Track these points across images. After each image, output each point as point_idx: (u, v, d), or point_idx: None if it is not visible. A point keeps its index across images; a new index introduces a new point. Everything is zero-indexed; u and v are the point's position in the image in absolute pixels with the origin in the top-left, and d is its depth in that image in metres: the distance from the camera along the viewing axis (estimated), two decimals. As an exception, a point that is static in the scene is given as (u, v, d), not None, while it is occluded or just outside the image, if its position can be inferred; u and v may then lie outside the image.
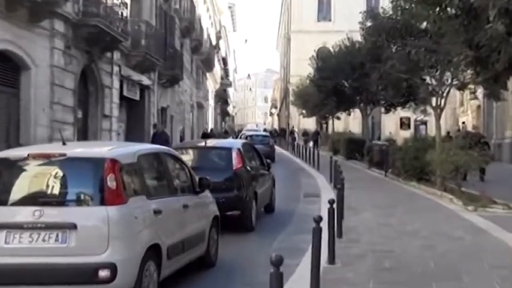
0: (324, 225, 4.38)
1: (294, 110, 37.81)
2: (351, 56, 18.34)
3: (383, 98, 17.68)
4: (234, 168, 7.42)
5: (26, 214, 3.85)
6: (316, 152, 18.23)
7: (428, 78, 11.12)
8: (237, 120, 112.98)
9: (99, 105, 11.81)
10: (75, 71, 10.54)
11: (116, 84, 12.74)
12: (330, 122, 31.97)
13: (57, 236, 3.81)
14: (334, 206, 5.25)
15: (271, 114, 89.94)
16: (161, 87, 17.76)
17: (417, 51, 9.89)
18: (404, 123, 33.21)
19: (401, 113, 22.65)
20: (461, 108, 26.90)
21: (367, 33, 13.22)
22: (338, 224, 6.05)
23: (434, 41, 9.73)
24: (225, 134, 26.92)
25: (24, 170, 4.08)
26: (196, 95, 28.57)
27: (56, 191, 4.01)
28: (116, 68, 12.58)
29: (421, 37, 10.58)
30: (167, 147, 5.47)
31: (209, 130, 26.46)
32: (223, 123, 57.53)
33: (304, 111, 32.97)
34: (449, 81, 10.65)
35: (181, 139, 21.50)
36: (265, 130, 45.59)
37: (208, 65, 32.33)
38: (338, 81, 19.42)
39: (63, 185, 4.04)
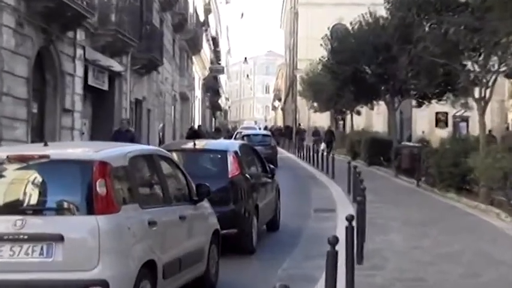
0: (341, 248, 4.38)
1: (302, 103, 37.84)
2: (373, 36, 18.36)
3: (414, 88, 17.61)
4: (230, 175, 7.48)
5: (5, 224, 3.94)
6: (330, 155, 18.46)
7: (469, 64, 10.93)
8: (230, 116, 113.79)
9: (59, 97, 11.62)
10: (28, 55, 10.25)
11: (80, 70, 12.58)
12: (348, 118, 31.77)
13: (41, 249, 3.91)
14: (354, 223, 5.23)
15: (274, 108, 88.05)
16: (136, 75, 17.81)
17: (456, 30, 9.65)
18: (440, 120, 33.01)
19: (436, 107, 22.24)
20: (511, 101, 27.55)
21: (394, 7, 13.14)
22: (358, 247, 6.03)
23: (478, 17, 9.53)
24: (216, 133, 27.12)
25: (2, 175, 4.19)
26: (179, 83, 28.58)
27: (39, 197, 4.14)
28: (79, 51, 12.41)
29: (460, 12, 10.26)
30: (160, 148, 5.68)
31: (196, 128, 26.64)
32: (214, 119, 57.88)
33: (315, 105, 32.96)
34: (496, 67, 10.45)
35: (161, 140, 21.64)
36: (266, 128, 45.79)
37: (194, 47, 32.25)
38: (358, 67, 19.40)
39: (47, 191, 4.17)
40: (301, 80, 34.57)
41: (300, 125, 35.32)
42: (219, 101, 60.91)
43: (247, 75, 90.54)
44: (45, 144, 4.63)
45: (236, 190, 7.47)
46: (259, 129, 54.10)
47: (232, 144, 8.41)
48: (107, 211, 4.09)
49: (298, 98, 38.02)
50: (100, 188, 4.10)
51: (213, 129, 34.85)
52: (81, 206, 4.11)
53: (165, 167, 5.24)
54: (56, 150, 4.53)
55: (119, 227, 4.14)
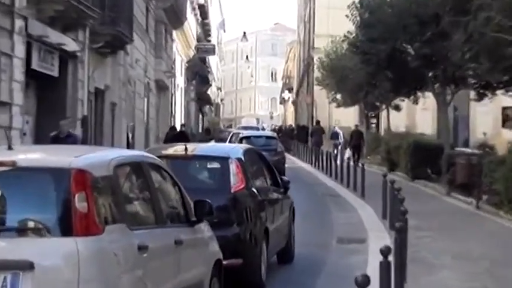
0: (374, 291, 4.62)
1: (321, 95, 37.89)
2: (417, 4, 18.19)
3: (472, 75, 17.16)
4: (232, 189, 7.72)
5: None
6: (358, 166, 18.51)
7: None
8: (224, 112, 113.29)
9: (-10, 85, 12.35)
10: None
11: (20, 50, 12.46)
12: (383, 114, 32.21)
13: (4, 280, 4.00)
14: (390, 258, 5.24)
15: (283, 101, 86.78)
16: (96, 56, 17.83)
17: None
18: (509, 118, 32.82)
19: (503, 100, 22.00)
20: None
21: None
22: (397, 290, 6.55)
23: None
24: (206, 135, 27.44)
25: None
26: (155, 68, 28.58)
27: (2, 215, 4.25)
28: (19, 23, 12.32)
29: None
30: (148, 154, 5.87)
31: (178, 128, 26.94)
32: (201, 116, 58.28)
33: (338, 97, 33.18)
34: None
35: (130, 144, 21.91)
36: (274, 130, 45.55)
37: (175, 18, 32.13)
38: (397, 46, 19.37)
39: (12, 207, 4.27)
40: (320, 63, 34.52)
41: (318, 123, 35.53)
42: (209, 92, 60.84)
43: (247, 57, 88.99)
44: (10, 148, 4.76)
45: (240, 209, 7.65)
46: (262, 129, 54.54)
47: (235, 149, 8.58)
48: (88, 232, 4.18)
49: (316, 87, 37.99)
50: (80, 204, 4.20)
51: (204, 130, 34.69)
52: (55, 226, 4.18)
53: (157, 179, 5.43)
54: (23, 156, 4.64)
55: (103, 253, 4.23)
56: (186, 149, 8.19)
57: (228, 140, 27.00)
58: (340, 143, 31.46)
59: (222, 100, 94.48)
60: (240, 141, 21.71)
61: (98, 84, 18.32)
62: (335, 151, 29.49)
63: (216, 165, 8.05)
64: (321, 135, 32.90)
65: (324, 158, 25.46)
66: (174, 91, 36.05)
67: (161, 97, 31.61)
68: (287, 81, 77.84)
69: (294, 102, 67.38)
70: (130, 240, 4.53)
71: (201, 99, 53.93)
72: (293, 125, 52.36)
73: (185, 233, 5.46)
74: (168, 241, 5.12)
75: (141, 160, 5.30)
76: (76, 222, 4.17)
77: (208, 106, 65.65)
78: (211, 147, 9.56)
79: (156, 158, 5.77)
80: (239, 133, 26.51)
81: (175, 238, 5.20)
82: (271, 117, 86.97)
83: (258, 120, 78.46)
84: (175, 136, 22.60)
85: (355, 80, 26.51)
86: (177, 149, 8.68)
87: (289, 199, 9.71)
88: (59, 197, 4.26)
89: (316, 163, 27.51)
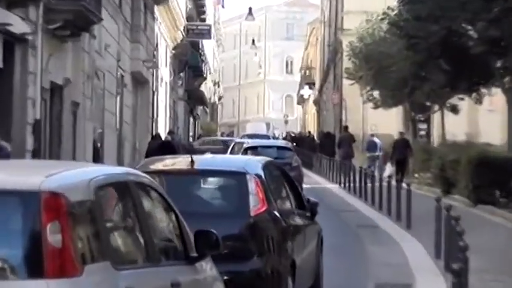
0: None
1: (352, 92, 38.29)
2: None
3: None
4: (252, 213, 8.14)
5: None
6: (402, 186, 18.65)
7: None
8: (223, 114, 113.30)
9: None
10: None
11: None
12: (435, 118, 32.50)
13: None
14: (447, 311, 5.74)
15: (302, 100, 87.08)
16: (52, 40, 17.99)
17: None
18: None
19: None
20: None
21: None
22: None
23: None
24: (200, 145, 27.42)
25: None
26: (131, 56, 28.86)
27: None
28: None
29: None
30: (136, 171, 6.14)
31: (165, 136, 26.99)
32: (193, 120, 58.31)
33: (375, 94, 33.67)
34: None
35: (97, 156, 22.11)
36: (285, 138, 44.78)
37: (157, -10, 35.41)
38: (453, 27, 19.56)
39: None
40: (351, 50, 34.49)
41: (346, 129, 35.42)
42: (202, 88, 60.80)
43: (253, 41, 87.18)
44: None
45: (261, 237, 8.06)
46: (275, 138, 54.29)
47: (252, 163, 9.07)
48: (63, 273, 4.26)
49: (346, 82, 38.06)
50: (52, 236, 4.27)
51: (194, 139, 34.30)
52: (21, 266, 4.27)
53: (149, 203, 5.60)
54: None
55: None
56: (192, 162, 8.52)
57: (229, 151, 27.09)
58: (378, 156, 31.59)
59: (220, 99, 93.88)
60: (245, 153, 22.17)
61: (55, 77, 18.32)
62: (371, 167, 29.58)
63: (230, 182, 8.50)
64: (351, 146, 32.91)
65: (357, 176, 25.34)
66: (157, 87, 35.89)
67: (139, 95, 31.62)
68: (307, 73, 75.96)
69: (317, 102, 66.02)
70: (115, 283, 4.61)
71: (193, 98, 53.68)
72: (310, 132, 52.30)
73: (183, 273, 5.57)
74: (163, 283, 5.23)
75: (128, 179, 5.41)
76: (48, 261, 4.24)
77: (201, 107, 65.42)
78: (223, 161, 10.02)
79: (146, 176, 5.92)
80: (243, 142, 26.54)
81: (171, 280, 5.31)
82: (286, 122, 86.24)
83: (268, 125, 77.96)
84: (158, 147, 22.81)
85: (398, 72, 26.55)
86: (179, 162, 9.16)
87: (316, 225, 10.19)
88: (25, 228, 4.32)
89: (346, 183, 27.45)
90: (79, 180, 4.79)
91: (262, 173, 8.51)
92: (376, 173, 26.12)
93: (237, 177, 8.35)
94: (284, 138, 53.50)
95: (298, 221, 9.24)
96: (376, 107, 33.99)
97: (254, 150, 22.88)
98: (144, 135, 31.99)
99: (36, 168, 5.31)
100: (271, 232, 8.13)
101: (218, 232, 6.45)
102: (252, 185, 8.17)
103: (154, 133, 31.21)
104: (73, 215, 4.47)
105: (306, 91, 75.28)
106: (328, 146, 37.98)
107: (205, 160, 9.33)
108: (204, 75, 59.55)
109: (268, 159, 10.33)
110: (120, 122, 27.32)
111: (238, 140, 37.58)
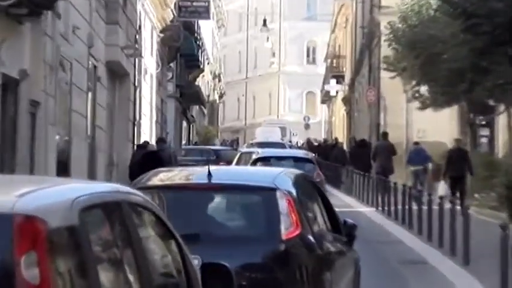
0: None
1: (394, 88, 38.65)
2: None
3: None
4: (283, 237, 8.63)
5: None
6: (457, 209, 18.66)
7: None
8: (224, 117, 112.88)
9: None
10: None
11: None
12: (501, 121, 32.65)
13: None
14: None
15: (328, 98, 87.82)
16: (5, 21, 17.96)
17: None
18: None
19: None
20: None
21: None
22: None
23: None
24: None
25: None
26: (106, 42, 29.24)
27: None
28: None
29: None
30: (128, 188, 6.32)
31: (156, 144, 27.52)
32: (186, 123, 58.28)
33: (424, 90, 33.90)
34: None
35: (62, 169, 22.34)
36: (301, 147, 44.27)
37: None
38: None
39: None
40: (392, 33, 34.75)
41: (384, 137, 35.86)
42: (199, 82, 61.35)
43: (264, 22, 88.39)
44: None
45: (294, 267, 8.50)
46: (291, 146, 54.00)
47: (282, 177, 9.56)
48: None
49: (385, 75, 38.59)
50: (27, 270, 4.34)
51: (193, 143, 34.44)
52: None
53: (144, 229, 5.82)
54: None
55: None
56: (209, 174, 9.00)
57: (236, 161, 26.92)
58: (425, 171, 31.79)
59: (221, 96, 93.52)
60: (254, 165, 22.64)
61: (8, 69, 18.32)
62: (417, 184, 30.20)
63: (256, 200, 9.00)
64: (390, 158, 33.41)
65: (398, 196, 25.54)
66: (140, 81, 36.00)
67: (117, 92, 32.01)
68: (334, 64, 76.45)
69: (347, 101, 66.77)
70: None
71: (186, 96, 54.10)
72: (336, 140, 52.12)
73: None
74: None
75: (119, 199, 5.54)
76: None
77: (197, 107, 65.32)
78: (246, 173, 10.45)
79: (141, 194, 6.09)
80: (252, 152, 27.64)
81: None
82: (307, 127, 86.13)
83: (283, 131, 77.84)
84: (144, 158, 23.61)
85: (452, 61, 26.64)
86: (192, 175, 9.71)
87: (354, 253, 10.80)
88: None
89: (385, 206, 27.66)
90: (60, 201, 4.86)
91: (294, 189, 8.94)
92: (424, 192, 25.81)
93: (265, 193, 8.83)
94: (303, 147, 53.26)
95: (334, 247, 9.64)
96: (423, 107, 33.97)
97: (265, 162, 23.38)
98: (123, 144, 32.41)
99: (3, 186, 5.33)
100: (305, 261, 8.48)
101: (241, 260, 7.19)
102: (283, 204, 8.58)
103: (140, 142, 31.52)
104: (53, 243, 4.52)
105: (333, 86, 75.05)
106: (361, 158, 37.69)
107: (225, 172, 9.75)
108: (201, 66, 60.08)
109: (299, 171, 10.87)
110: (92, 127, 27.37)
111: (245, 149, 37.38)
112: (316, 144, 58.42)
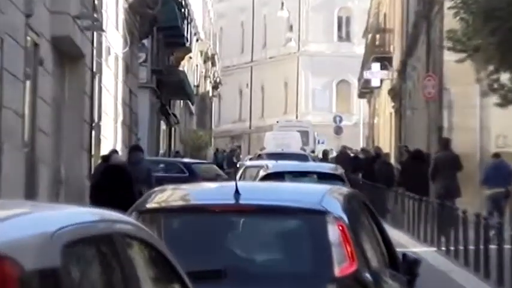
0: None
1: (462, 74, 40.20)
2: None
3: None
4: (336, 273, 9.34)
5: None
6: None
7: None
8: (221, 116, 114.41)
9: None
10: None
11: None
12: None
13: None
14: None
15: (369, 91, 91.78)
16: None
17: None
18: None
19: None
20: None
21: None
22: None
23: None
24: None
25: None
26: (51, 8, 29.65)
27: None
28: None
29: None
30: (121, 216, 6.70)
31: (128, 154, 26.80)
32: (166, 125, 58.31)
33: (504, 79, 34.59)
34: None
35: None
36: (323, 155, 44.85)
37: None
38: None
39: None
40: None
41: (445, 145, 36.44)
42: (184, 67, 61.01)
43: None
44: None
45: None
46: (312, 158, 54.80)
47: (330, 197, 10.24)
48: None
49: (450, 57, 39.27)
50: None
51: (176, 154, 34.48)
52: None
53: (143, 268, 6.30)
54: None
55: None
56: (236, 192, 9.55)
57: (240, 175, 26.61)
58: (509, 194, 32.22)
59: (216, 86, 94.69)
60: (263, 180, 24.22)
61: None
62: (494, 213, 30.55)
63: (299, 226, 9.76)
64: (455, 174, 34.11)
65: (469, 231, 26.28)
66: (100, 66, 36.53)
67: (67, 80, 32.12)
68: (377, 41, 78.38)
69: (395, 93, 68.51)
70: None
71: (166, 85, 54.15)
72: (384, 150, 52.02)
73: None
74: None
75: (111, 230, 6.01)
76: None
77: (182, 102, 65.69)
78: (282, 191, 11.18)
79: (138, 224, 6.64)
80: (259, 167, 26.26)
81: None
82: (338, 130, 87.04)
83: (305, 136, 78.18)
84: (102, 176, 22.34)
85: None
86: (213, 194, 10.51)
87: None
88: None
89: (450, 244, 28.39)
90: (37, 234, 5.26)
91: (346, 212, 9.59)
92: (506, 226, 26.07)
93: (311, 218, 9.52)
94: (320, 159, 53.19)
95: (394, 286, 10.18)
96: (505, 103, 33.81)
97: (279, 178, 24.65)
98: (75, 155, 32.68)
99: None
100: None
101: None
102: (334, 231, 9.27)
103: (102, 151, 31.05)
104: None
105: (376, 73, 74.50)
106: (415, 176, 37.78)
107: (256, 189, 10.61)
108: (188, 45, 60.11)
109: (350, 190, 11.84)
110: (31, 130, 27.63)
111: (250, 162, 37.40)
112: (352, 155, 58.55)
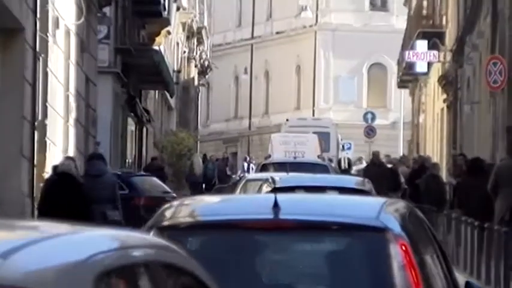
0: None
1: None
2: None
3: None
4: None
5: None
6: None
7: None
8: (211, 112, 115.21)
9: None
10: None
11: None
12: None
13: None
14: None
15: (413, 79, 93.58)
16: None
17: None
18: None
19: None
20: None
21: None
22: None
23: None
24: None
25: None
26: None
27: None
28: None
29: None
30: (159, 240, 7.16)
31: (87, 164, 27.09)
32: (136, 124, 59.14)
33: None
34: None
35: None
36: (346, 166, 46.10)
37: None
38: None
39: None
40: None
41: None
42: (160, 46, 61.80)
43: None
44: None
45: None
46: (334, 170, 55.68)
47: (389, 210, 11.08)
48: None
49: None
50: None
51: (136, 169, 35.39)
52: None
53: None
54: None
55: None
56: (275, 206, 10.53)
57: (240, 187, 27.26)
58: None
59: (205, 72, 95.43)
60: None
61: None
62: None
63: (352, 245, 10.82)
64: None
65: None
66: (46, 43, 37.47)
67: (1, 62, 32.53)
68: (424, 11, 78.27)
69: (448, 82, 66.79)
70: None
71: (136, 70, 54.51)
72: (433, 159, 52.51)
73: None
74: None
75: (150, 258, 6.54)
76: None
77: (156, 92, 66.57)
78: (329, 203, 12.25)
79: (177, 249, 7.14)
80: (263, 180, 26.96)
81: None
82: (370, 132, 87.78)
83: (325, 138, 78.99)
84: (46, 189, 23.01)
85: None
86: (247, 207, 11.50)
87: None
88: None
89: None
90: (64, 263, 5.69)
91: (407, 229, 10.60)
92: None
93: (368, 236, 10.69)
94: (341, 170, 53.99)
95: None
96: None
97: (290, 192, 23.99)
98: (11, 162, 33.32)
99: None
100: None
101: None
102: (396, 251, 10.37)
103: (52, 158, 31.43)
104: None
105: (422, 55, 75.87)
106: (476, 194, 37.50)
107: (298, 203, 11.53)
108: (165, 15, 60.72)
109: (408, 203, 10.93)
110: None
111: (252, 175, 38.31)
112: (391, 166, 59.09)
